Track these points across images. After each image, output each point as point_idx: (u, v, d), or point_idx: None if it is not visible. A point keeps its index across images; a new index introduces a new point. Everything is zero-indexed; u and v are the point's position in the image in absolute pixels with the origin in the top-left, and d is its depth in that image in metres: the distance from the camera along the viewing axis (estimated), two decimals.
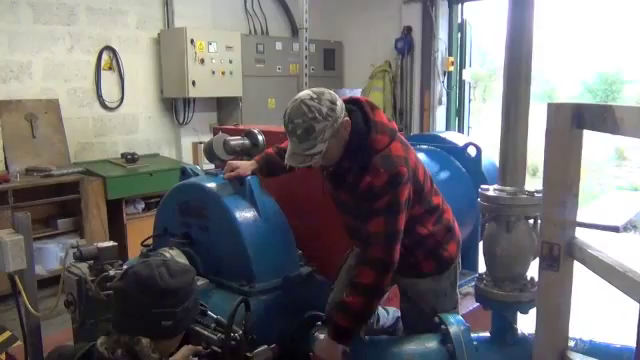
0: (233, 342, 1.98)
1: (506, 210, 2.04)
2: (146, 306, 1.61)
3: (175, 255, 2.46)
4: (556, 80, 15.64)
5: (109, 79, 5.70)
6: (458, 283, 2.53)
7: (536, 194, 2.01)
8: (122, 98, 5.79)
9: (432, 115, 6.75)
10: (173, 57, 5.81)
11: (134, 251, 3.98)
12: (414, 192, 2.19)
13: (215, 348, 2.02)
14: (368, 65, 7.11)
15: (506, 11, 2.06)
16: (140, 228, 4.77)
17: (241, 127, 3.30)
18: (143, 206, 5.35)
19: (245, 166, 2.51)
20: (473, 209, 3.01)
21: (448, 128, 6.81)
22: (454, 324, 2.13)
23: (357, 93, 6.61)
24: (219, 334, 2.02)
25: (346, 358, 2.14)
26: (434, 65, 6.65)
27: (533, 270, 1.88)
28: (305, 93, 2.08)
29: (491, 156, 3.41)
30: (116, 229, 5.12)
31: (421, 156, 3.33)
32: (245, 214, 2.42)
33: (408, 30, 6.77)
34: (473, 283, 2.32)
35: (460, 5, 6.71)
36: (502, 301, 2.12)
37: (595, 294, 3.06)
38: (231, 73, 6.05)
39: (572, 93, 15.01)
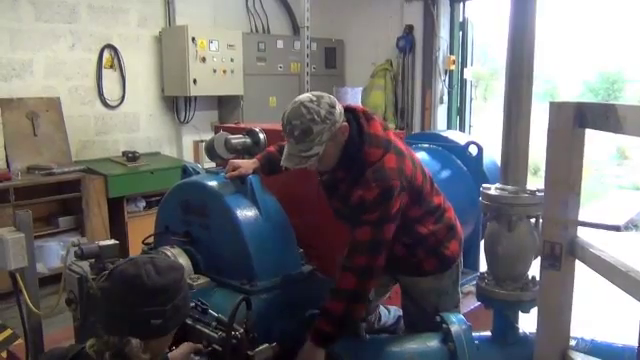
0: (234, 341, 1.98)
1: (508, 209, 2.04)
2: (134, 305, 1.55)
3: (176, 253, 2.46)
4: (557, 79, 15.61)
5: (110, 77, 5.70)
6: (460, 282, 2.53)
7: (538, 193, 2.01)
8: (123, 96, 5.79)
9: (433, 114, 6.74)
10: (174, 55, 5.80)
11: (135, 249, 3.98)
12: (412, 196, 2.18)
13: (216, 347, 2.02)
14: (369, 64, 7.10)
15: (508, 9, 2.06)
16: (141, 226, 4.77)
17: (242, 125, 3.30)
18: (144, 204, 5.35)
19: (247, 165, 2.51)
20: (474, 208, 3.01)
21: (449, 127, 6.79)
22: (455, 323, 2.13)
23: (358, 92, 6.61)
24: (220, 332, 2.02)
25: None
26: (435, 64, 6.63)
27: (534, 269, 1.88)
28: (305, 96, 2.09)
29: (492, 155, 3.41)
30: (117, 227, 5.12)
31: (422, 155, 3.34)
32: (246, 213, 2.42)
33: (410, 29, 6.76)
34: (474, 282, 2.33)
35: (462, 3, 6.70)
36: (503, 300, 2.12)
37: (596, 293, 3.06)
38: (232, 71, 6.04)
39: (573, 92, 14.98)
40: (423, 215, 2.29)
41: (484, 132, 7.38)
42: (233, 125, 3.41)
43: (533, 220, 2.07)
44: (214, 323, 2.08)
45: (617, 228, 6.99)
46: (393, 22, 6.90)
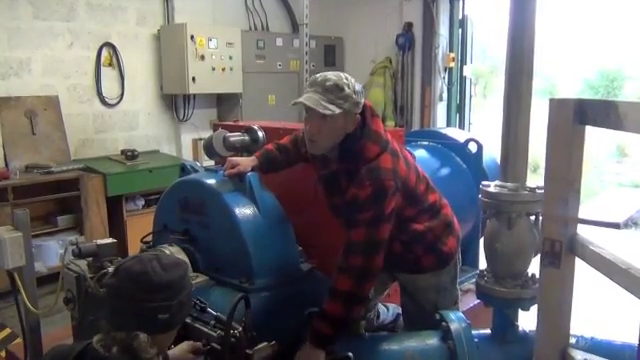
0: (233, 339, 1.97)
1: (507, 206, 2.03)
2: (141, 301, 1.59)
3: (175, 252, 2.45)
4: (557, 76, 15.59)
5: (109, 75, 5.68)
6: (458, 279, 2.53)
7: (537, 190, 2.01)
8: (122, 94, 5.78)
9: (433, 111, 6.73)
10: (173, 53, 5.79)
11: (134, 248, 3.97)
12: (405, 197, 2.18)
13: (215, 345, 2.01)
14: (369, 61, 7.09)
15: (508, 6, 2.05)
16: (140, 225, 4.75)
17: (241, 123, 3.29)
18: (143, 203, 5.34)
19: (245, 162, 2.50)
20: (474, 205, 3.00)
21: (449, 124, 6.79)
22: (455, 321, 2.12)
23: None
24: (219, 331, 2.02)
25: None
26: (435, 61, 6.62)
27: (534, 267, 1.87)
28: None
29: (492, 152, 3.40)
30: (116, 226, 5.12)
31: (422, 152, 3.33)
32: (245, 211, 2.41)
33: (409, 26, 6.75)
34: (474, 280, 2.32)
35: (461, 1, 6.68)
36: (503, 298, 2.12)
37: (596, 291, 3.05)
38: (231, 69, 6.03)
39: (573, 89, 14.96)
40: (417, 214, 2.29)
41: (484, 129, 7.36)
42: (232, 123, 3.40)
43: (533, 217, 2.07)
44: (213, 322, 2.07)
45: (617, 226, 6.99)
46: (392, 19, 6.89)
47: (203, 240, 2.51)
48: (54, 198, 4.95)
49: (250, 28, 6.72)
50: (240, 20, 6.62)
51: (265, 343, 2.07)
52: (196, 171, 2.76)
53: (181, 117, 6.24)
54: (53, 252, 4.78)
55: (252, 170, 2.48)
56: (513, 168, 2.11)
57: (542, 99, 1.80)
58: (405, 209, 2.21)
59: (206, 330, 2.06)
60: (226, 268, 2.43)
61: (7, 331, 3.27)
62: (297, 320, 2.29)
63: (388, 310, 2.84)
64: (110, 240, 2.46)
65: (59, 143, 5.19)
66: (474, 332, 2.13)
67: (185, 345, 2.00)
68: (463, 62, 6.80)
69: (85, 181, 4.88)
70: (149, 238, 2.75)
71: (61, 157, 5.13)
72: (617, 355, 2.00)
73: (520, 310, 2.19)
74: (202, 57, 5.73)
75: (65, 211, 5.07)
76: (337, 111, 2.07)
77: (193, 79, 5.69)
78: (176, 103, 6.22)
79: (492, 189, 2.08)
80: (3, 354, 3.10)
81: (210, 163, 3.01)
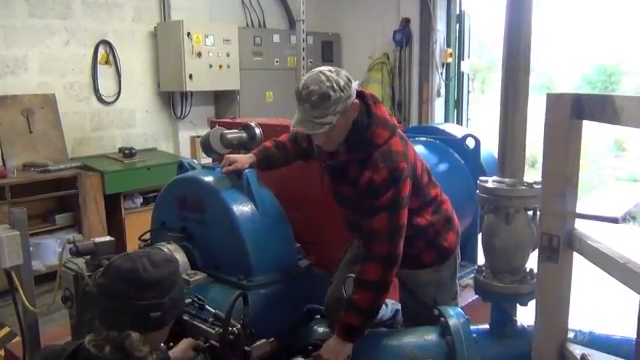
0: (231, 336, 1.97)
1: (505, 202, 2.03)
2: (132, 299, 1.57)
3: (173, 249, 2.45)
4: (554, 72, 15.59)
5: (106, 73, 5.67)
6: (458, 274, 2.53)
7: (535, 185, 2.00)
8: (119, 92, 5.76)
9: (431, 107, 6.73)
10: (170, 50, 5.77)
11: (132, 246, 3.97)
12: (412, 186, 2.19)
13: (213, 342, 2.01)
14: (366, 57, 7.08)
15: (505, 2, 2.05)
16: (138, 222, 4.75)
17: (238, 120, 3.29)
18: (141, 200, 5.34)
19: (243, 159, 2.49)
20: (472, 201, 3.00)
21: (447, 120, 6.79)
22: (453, 316, 2.13)
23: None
24: (217, 328, 2.02)
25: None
26: (432, 57, 6.62)
27: (532, 262, 1.87)
28: (324, 67, 2.11)
29: (490, 148, 3.40)
30: (114, 224, 5.11)
31: (420, 148, 3.32)
32: (243, 208, 2.41)
33: (406, 22, 6.74)
34: (472, 275, 2.32)
35: None
36: (501, 293, 2.11)
37: (595, 285, 3.06)
38: (228, 66, 6.02)
39: (570, 85, 14.97)
40: (420, 206, 2.30)
41: (481, 125, 7.36)
42: (229, 120, 3.40)
43: (531, 212, 2.06)
44: (211, 319, 2.07)
45: (615, 220, 7.00)
46: (389, 15, 6.88)
47: (201, 237, 2.51)
48: (52, 196, 4.95)
49: (247, 25, 6.70)
50: (237, 17, 6.60)
51: (264, 340, 2.07)
52: (194, 168, 2.75)
53: (178, 114, 6.23)
54: (51, 250, 4.77)
55: (250, 167, 2.48)
56: (511, 163, 2.10)
57: (540, 94, 1.79)
58: (410, 200, 2.21)
59: (205, 327, 2.07)
60: (224, 265, 2.43)
61: (6, 330, 3.27)
62: (296, 317, 2.30)
63: (387, 306, 2.83)
64: (108, 238, 2.46)
65: (56, 141, 5.18)
66: (473, 327, 2.13)
67: (186, 343, 1.99)
68: (461, 58, 6.80)
69: (83, 179, 4.87)
70: (147, 236, 2.75)
71: (58, 155, 5.12)
72: (615, 349, 1.99)
73: (518, 305, 2.19)
74: (199, 54, 5.72)
75: (63, 209, 5.06)
76: (334, 120, 2.05)
77: (190, 76, 5.67)
78: (173, 100, 6.20)
79: (490, 184, 2.08)
80: (2, 353, 3.10)
81: (208, 160, 3.01)
